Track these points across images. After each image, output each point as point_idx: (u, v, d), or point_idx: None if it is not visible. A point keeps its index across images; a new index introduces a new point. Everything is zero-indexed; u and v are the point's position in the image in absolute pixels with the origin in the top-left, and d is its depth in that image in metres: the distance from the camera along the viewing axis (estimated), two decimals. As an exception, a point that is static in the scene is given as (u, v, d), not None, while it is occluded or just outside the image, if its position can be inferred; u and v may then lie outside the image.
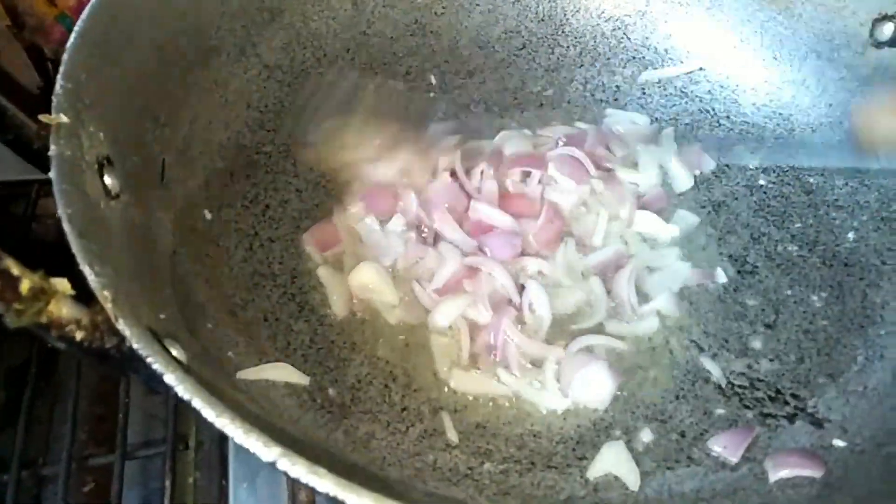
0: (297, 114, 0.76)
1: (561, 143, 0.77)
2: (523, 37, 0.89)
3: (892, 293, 0.67)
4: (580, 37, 0.89)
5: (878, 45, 0.75)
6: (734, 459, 0.56)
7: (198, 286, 0.58)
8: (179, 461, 0.67)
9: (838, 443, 0.57)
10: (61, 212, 0.41)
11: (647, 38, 0.89)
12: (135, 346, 0.37)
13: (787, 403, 0.60)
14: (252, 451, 0.34)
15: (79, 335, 0.37)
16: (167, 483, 0.63)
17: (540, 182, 0.72)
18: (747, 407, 0.60)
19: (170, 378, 0.35)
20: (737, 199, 0.76)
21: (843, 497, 0.52)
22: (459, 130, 0.78)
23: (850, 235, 0.71)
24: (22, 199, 0.82)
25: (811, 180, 0.76)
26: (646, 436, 0.58)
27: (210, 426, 0.35)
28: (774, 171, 0.78)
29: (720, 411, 0.60)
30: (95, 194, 0.47)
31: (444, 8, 0.88)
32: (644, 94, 0.85)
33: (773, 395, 0.61)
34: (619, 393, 0.60)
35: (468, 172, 0.72)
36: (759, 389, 0.61)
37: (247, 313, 0.61)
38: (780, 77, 0.82)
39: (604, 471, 0.56)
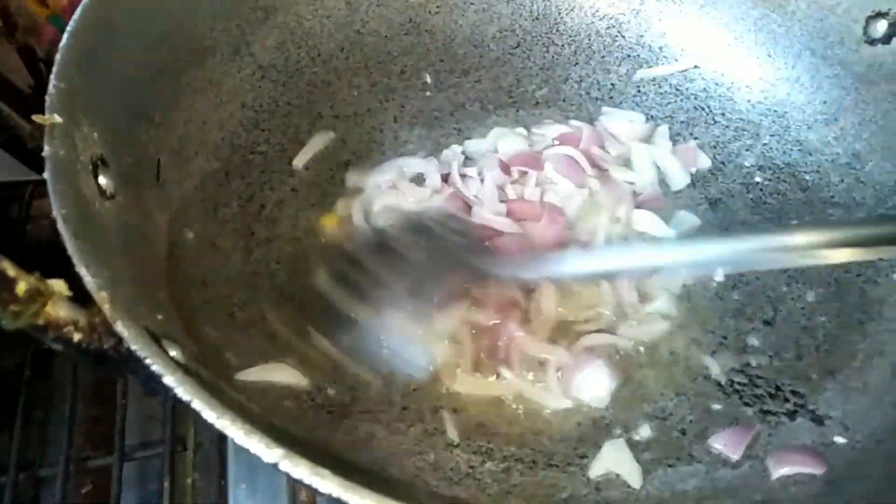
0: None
1: (555, 142, 0.77)
2: (518, 35, 0.89)
3: (889, 290, 0.67)
4: (575, 35, 0.89)
5: (872, 41, 0.75)
6: (735, 457, 0.56)
7: (195, 287, 0.58)
8: (178, 462, 0.66)
9: (839, 440, 0.57)
10: (56, 213, 0.41)
11: (641, 36, 0.89)
12: (133, 347, 0.36)
13: (787, 400, 0.60)
14: (254, 452, 0.34)
15: (76, 337, 0.36)
16: (166, 484, 0.63)
17: (537, 183, 0.72)
18: (747, 404, 0.60)
19: (170, 380, 0.35)
20: (733, 196, 0.75)
21: (845, 494, 0.52)
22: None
23: (848, 233, 0.72)
24: (15, 200, 0.82)
25: (807, 177, 0.76)
26: (646, 433, 0.58)
27: (208, 427, 0.35)
28: (770, 169, 0.78)
29: (720, 409, 0.60)
30: (90, 195, 0.47)
31: (438, 7, 0.87)
32: (639, 92, 0.85)
33: (772, 391, 0.61)
34: (619, 391, 0.60)
35: (463, 177, 0.72)
36: (758, 386, 0.61)
37: (244, 314, 0.61)
38: (775, 74, 0.82)
39: (605, 469, 0.55)
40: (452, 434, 0.57)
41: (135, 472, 0.67)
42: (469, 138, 0.78)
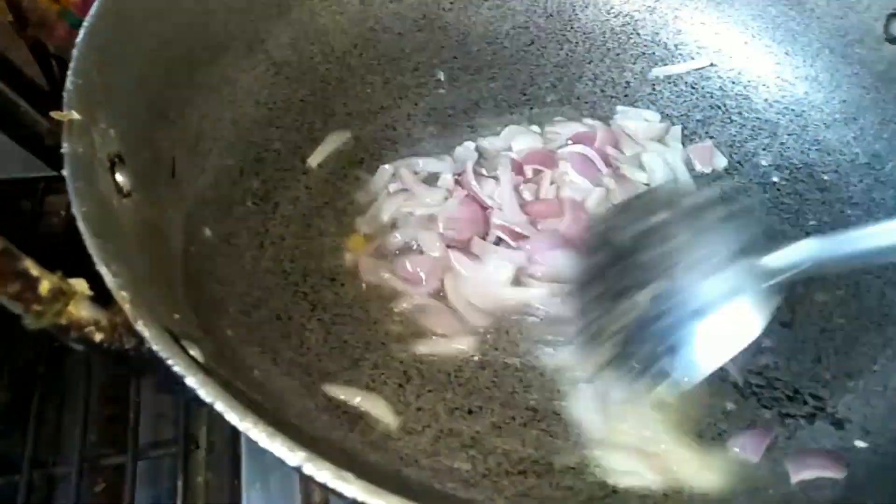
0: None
1: (569, 141, 0.77)
2: (532, 33, 0.88)
3: (910, 291, 0.66)
4: (589, 33, 0.88)
5: (893, 40, 0.74)
6: (755, 459, 0.55)
7: (210, 285, 0.58)
8: (191, 461, 0.66)
9: (860, 444, 0.56)
10: (76, 210, 0.41)
11: (656, 33, 0.88)
12: (154, 347, 0.36)
13: (805, 403, 0.60)
14: (277, 455, 0.33)
15: (98, 337, 0.36)
16: (179, 483, 0.63)
17: (553, 182, 0.71)
18: (766, 406, 0.59)
19: (192, 381, 0.35)
20: (749, 196, 0.75)
21: (866, 500, 0.51)
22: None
23: (867, 233, 0.71)
24: (28, 196, 0.82)
25: (825, 177, 0.76)
26: (664, 436, 0.57)
27: (222, 426, 0.34)
28: (788, 169, 0.77)
29: (738, 411, 0.59)
30: (108, 193, 0.47)
31: (452, 3, 0.87)
32: (654, 90, 0.84)
33: (791, 394, 0.60)
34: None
35: (477, 176, 0.71)
36: (776, 389, 0.61)
37: (259, 312, 0.60)
38: (793, 73, 0.82)
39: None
40: (468, 435, 0.56)
41: (148, 471, 0.67)
42: (483, 136, 0.77)
